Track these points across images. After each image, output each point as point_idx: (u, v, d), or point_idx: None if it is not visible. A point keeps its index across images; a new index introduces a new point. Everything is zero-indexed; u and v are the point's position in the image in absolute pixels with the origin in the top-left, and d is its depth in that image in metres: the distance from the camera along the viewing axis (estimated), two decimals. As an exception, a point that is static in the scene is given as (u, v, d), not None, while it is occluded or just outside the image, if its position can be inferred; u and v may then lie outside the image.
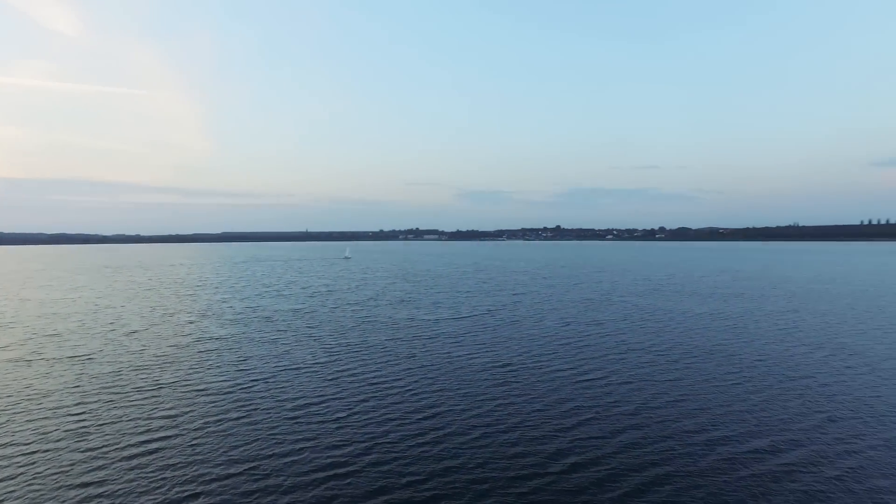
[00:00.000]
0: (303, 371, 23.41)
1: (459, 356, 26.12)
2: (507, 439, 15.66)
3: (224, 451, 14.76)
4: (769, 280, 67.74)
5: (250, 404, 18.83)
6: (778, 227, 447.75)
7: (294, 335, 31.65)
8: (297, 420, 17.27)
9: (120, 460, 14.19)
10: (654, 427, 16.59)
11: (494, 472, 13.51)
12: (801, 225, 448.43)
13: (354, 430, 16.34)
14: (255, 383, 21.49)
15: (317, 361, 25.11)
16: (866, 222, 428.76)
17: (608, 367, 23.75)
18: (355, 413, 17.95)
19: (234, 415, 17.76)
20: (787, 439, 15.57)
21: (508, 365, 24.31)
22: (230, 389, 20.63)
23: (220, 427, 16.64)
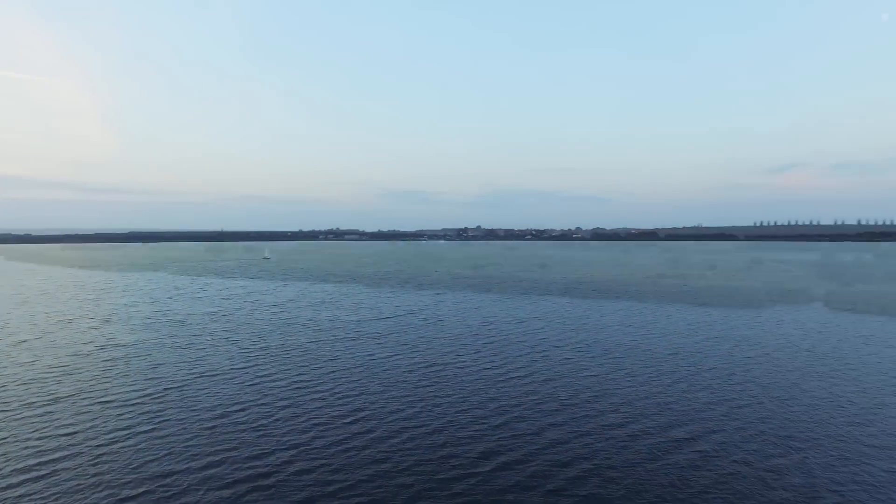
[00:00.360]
0: (219, 377, 22.14)
1: (383, 357, 25.73)
2: (434, 441, 15.51)
3: (132, 469, 13.57)
4: (679, 277, 72.18)
5: (162, 415, 17.51)
6: (684, 228, 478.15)
7: (210, 339, 29.93)
8: (215, 430, 16.24)
9: (1, 489, 12.67)
10: (578, 423, 17.06)
11: (422, 475, 13.31)
12: (704, 226, 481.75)
13: (276, 438, 15.60)
14: (167, 392, 20.05)
15: (234, 367, 23.85)
16: (758, 224, 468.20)
17: (531, 366, 24.23)
18: (277, 420, 17.16)
19: (144, 428, 16.42)
20: (702, 428, 16.52)
21: (433, 365, 24.21)
22: (139, 400, 19.11)
23: (128, 443, 15.30)
